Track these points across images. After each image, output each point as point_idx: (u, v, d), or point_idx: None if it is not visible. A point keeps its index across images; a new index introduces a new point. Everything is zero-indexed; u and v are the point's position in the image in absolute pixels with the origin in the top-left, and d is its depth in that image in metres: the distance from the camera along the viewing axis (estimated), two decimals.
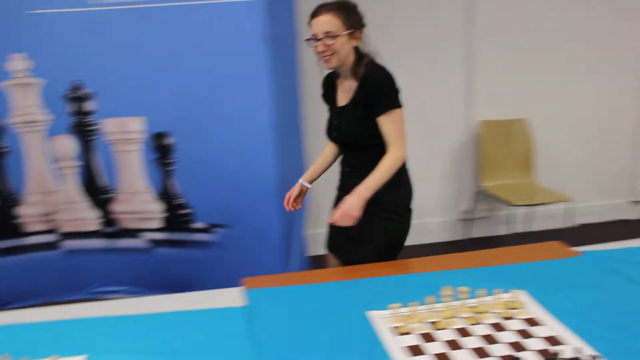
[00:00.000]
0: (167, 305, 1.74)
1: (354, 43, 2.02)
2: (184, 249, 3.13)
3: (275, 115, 2.91)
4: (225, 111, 2.90)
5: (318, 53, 2.01)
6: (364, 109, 2.04)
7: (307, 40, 2.03)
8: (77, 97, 3.03)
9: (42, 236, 3.27)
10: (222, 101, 2.90)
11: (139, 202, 3.16)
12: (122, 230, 3.23)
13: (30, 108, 3.04)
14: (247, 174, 2.93)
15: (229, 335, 1.54)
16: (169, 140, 3.00)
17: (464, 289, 1.71)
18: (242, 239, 3.06)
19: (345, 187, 2.19)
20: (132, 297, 1.86)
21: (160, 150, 3.03)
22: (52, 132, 3.11)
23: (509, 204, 3.66)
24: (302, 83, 3.46)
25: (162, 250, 3.18)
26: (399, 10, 3.81)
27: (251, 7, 2.77)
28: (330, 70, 2.18)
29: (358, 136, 2.09)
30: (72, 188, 3.19)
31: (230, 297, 1.77)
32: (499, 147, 4.05)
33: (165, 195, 3.10)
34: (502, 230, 4.31)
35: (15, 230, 3.21)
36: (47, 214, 3.22)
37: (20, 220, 3.21)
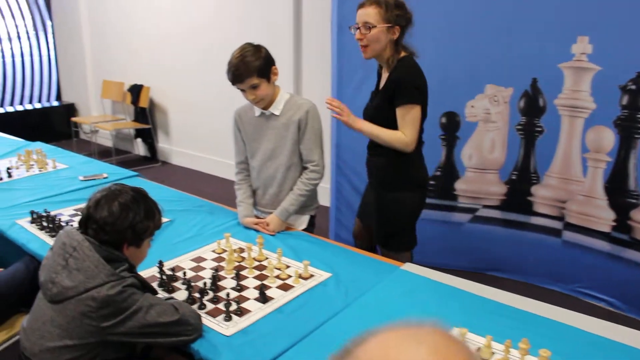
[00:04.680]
0: None
1: (391, 37, 2.13)
2: None
3: None
4: None
5: (357, 40, 2.15)
6: (387, 99, 2.17)
7: (350, 27, 2.19)
8: (634, 90, 2.79)
9: (547, 219, 3.24)
10: None
11: None
12: (635, 241, 2.92)
13: (579, 93, 2.96)
14: None
15: None
16: None
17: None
18: None
19: (368, 165, 2.45)
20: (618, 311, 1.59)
21: None
22: (593, 122, 2.97)
23: None
24: None
25: None
26: None
27: None
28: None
29: (378, 121, 2.21)
30: (594, 182, 3.02)
31: None
32: None
33: None
34: None
35: (525, 207, 3.26)
36: (560, 201, 3.16)
37: (532, 199, 3.23)
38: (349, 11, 3.32)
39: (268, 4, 4.53)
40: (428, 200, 3.36)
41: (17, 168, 3.17)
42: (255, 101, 2.24)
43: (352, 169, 3.47)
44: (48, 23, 7.52)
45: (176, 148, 6.07)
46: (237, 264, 1.97)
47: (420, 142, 2.27)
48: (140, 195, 1.54)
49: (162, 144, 6.25)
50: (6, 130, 4.94)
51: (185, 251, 2.09)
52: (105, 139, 6.99)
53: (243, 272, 1.90)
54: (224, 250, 2.07)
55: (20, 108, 7.29)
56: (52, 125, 7.26)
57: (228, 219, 2.41)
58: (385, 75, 2.23)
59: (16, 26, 7.31)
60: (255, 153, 2.39)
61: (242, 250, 2.07)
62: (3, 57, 7.26)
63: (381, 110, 2.21)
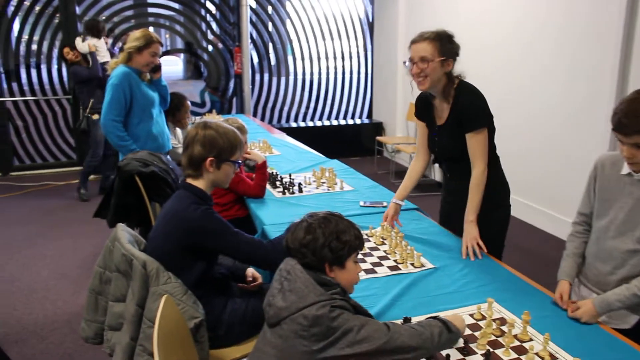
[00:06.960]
0: None
1: (446, 69, 2.32)
2: None
3: None
4: None
5: (412, 75, 2.35)
6: (457, 126, 2.37)
7: (405, 62, 2.39)
8: None
9: None
10: None
11: None
12: None
13: None
14: None
15: None
16: None
17: None
18: None
19: (447, 188, 2.73)
20: None
21: None
22: None
23: None
24: None
25: None
26: None
27: None
28: (422, 92, 2.50)
29: (455, 151, 2.44)
30: None
31: None
32: None
33: None
34: None
35: None
36: None
37: None
38: None
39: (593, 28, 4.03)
40: None
41: (309, 184, 3.36)
42: (630, 161, 1.82)
43: None
44: (369, 47, 8.06)
45: None
46: (493, 337, 1.70)
47: (496, 157, 2.49)
48: (332, 216, 1.55)
49: None
50: (318, 142, 5.37)
51: (439, 308, 1.88)
52: (404, 160, 7.16)
53: (497, 351, 1.63)
54: (483, 318, 1.81)
55: (335, 123, 7.96)
56: (361, 141, 7.74)
57: (500, 277, 2.13)
58: (443, 105, 2.44)
59: (349, 46, 8.02)
60: (601, 216, 1.99)
61: (503, 322, 1.78)
62: (335, 73, 8.05)
63: (456, 139, 2.41)
